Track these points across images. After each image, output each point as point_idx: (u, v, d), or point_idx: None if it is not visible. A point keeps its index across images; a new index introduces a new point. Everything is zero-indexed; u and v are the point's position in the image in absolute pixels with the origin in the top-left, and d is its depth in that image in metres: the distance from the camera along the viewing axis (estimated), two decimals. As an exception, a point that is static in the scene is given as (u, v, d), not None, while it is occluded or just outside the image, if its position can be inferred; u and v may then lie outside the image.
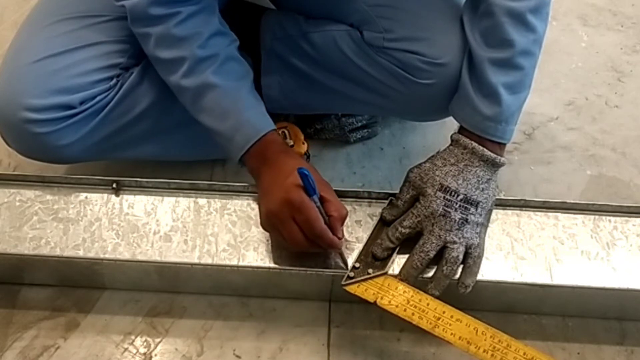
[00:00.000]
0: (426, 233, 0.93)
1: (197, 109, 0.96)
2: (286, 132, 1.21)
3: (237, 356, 0.99)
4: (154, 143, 1.07)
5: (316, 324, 1.02)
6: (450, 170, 0.94)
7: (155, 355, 0.98)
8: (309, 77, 1.11)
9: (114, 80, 1.00)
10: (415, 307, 0.91)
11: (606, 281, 0.96)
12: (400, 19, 1.01)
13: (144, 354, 0.98)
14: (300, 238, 0.90)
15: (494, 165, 0.95)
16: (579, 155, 1.29)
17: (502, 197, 1.06)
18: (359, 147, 1.27)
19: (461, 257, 0.92)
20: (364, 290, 0.93)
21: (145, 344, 0.99)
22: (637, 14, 1.57)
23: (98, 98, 0.99)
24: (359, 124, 1.26)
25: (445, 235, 0.92)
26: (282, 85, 1.14)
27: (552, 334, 1.02)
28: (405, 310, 0.91)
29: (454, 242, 0.92)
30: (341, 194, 1.02)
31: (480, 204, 0.94)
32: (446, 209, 0.92)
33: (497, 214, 1.02)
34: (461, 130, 0.97)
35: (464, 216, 0.92)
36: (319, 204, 0.91)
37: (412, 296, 0.91)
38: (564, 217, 1.02)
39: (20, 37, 1.02)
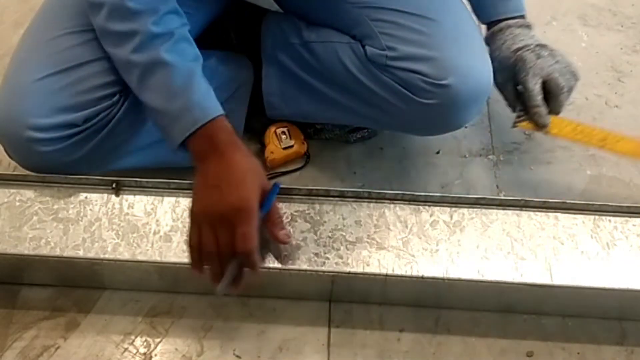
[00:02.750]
0: (553, 74, 1.08)
1: (143, 86, 0.93)
2: (286, 131, 1.21)
3: (237, 356, 0.99)
4: (160, 151, 1.07)
5: (316, 324, 1.02)
6: (513, 38, 1.10)
7: (155, 355, 0.98)
8: (309, 85, 1.11)
9: (117, 97, 0.99)
10: (582, 132, 1.12)
11: (606, 281, 0.96)
12: (403, 37, 1.00)
13: (144, 354, 0.98)
14: (227, 247, 0.88)
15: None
16: (579, 155, 1.29)
17: (502, 197, 1.06)
18: (359, 147, 1.27)
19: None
20: (532, 126, 1.10)
21: (145, 344, 0.99)
22: (637, 14, 1.57)
23: (102, 115, 0.98)
24: (359, 124, 1.26)
25: (552, 69, 1.08)
26: (283, 92, 1.14)
27: (552, 334, 1.02)
28: (575, 135, 1.11)
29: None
30: (341, 194, 1.02)
31: (547, 46, 1.11)
32: (538, 52, 1.08)
33: (497, 214, 1.02)
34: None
35: (550, 51, 1.10)
36: (261, 221, 0.90)
37: (577, 126, 1.11)
38: (563, 217, 1.02)
39: (21, 52, 1.01)
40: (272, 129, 1.21)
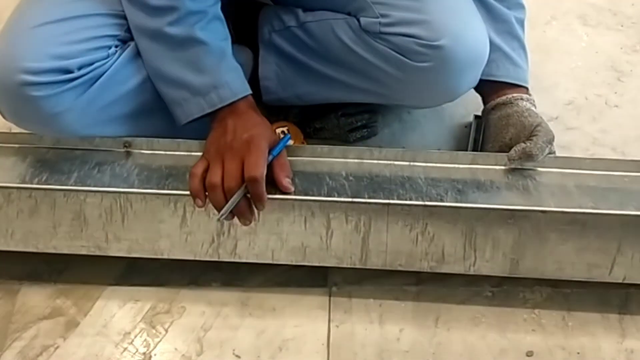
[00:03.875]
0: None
1: (170, 57, 0.98)
2: (286, 131, 1.21)
3: (237, 356, 0.99)
4: (152, 118, 1.06)
5: (316, 323, 1.02)
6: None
7: (155, 354, 0.98)
8: (306, 67, 1.12)
9: (113, 49, 1.01)
10: None
11: None
12: (396, 4, 1.02)
13: (144, 353, 0.98)
14: (237, 176, 0.92)
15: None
16: (579, 155, 1.29)
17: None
18: (359, 146, 1.26)
19: None
20: None
21: (144, 343, 0.99)
22: (637, 14, 1.57)
23: (96, 64, 0.99)
24: (359, 124, 1.26)
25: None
26: (279, 76, 1.15)
27: (552, 334, 1.02)
28: None
29: None
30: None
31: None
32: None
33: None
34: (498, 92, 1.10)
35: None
36: (269, 162, 0.94)
37: None
38: None
39: (20, 7, 1.03)
40: (271, 128, 1.21)
